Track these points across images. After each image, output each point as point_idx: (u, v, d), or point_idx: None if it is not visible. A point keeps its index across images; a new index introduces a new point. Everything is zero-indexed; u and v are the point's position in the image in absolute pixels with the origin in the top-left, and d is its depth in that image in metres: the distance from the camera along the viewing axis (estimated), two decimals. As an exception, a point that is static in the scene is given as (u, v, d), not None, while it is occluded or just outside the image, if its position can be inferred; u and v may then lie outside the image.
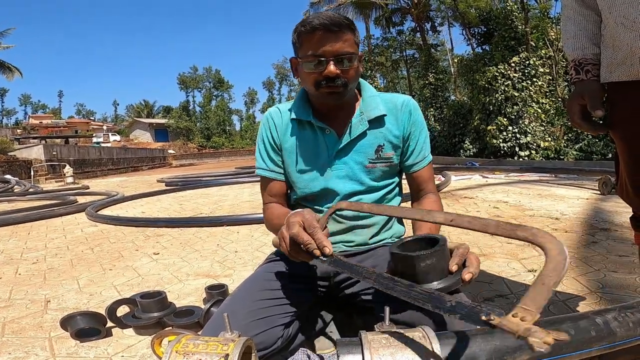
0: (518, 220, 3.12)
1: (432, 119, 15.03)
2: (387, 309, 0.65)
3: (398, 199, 1.16)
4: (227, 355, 0.61)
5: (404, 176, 1.16)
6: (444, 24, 23.00)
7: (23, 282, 2.31)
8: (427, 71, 15.37)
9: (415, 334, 0.58)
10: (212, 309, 1.46)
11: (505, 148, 11.16)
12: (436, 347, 0.55)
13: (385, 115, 1.03)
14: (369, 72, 17.30)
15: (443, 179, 6.00)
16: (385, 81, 27.29)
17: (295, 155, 1.06)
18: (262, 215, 1.13)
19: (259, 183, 1.16)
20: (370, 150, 1.03)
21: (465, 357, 0.58)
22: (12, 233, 4.02)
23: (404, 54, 24.33)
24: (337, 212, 1.02)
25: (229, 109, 57.26)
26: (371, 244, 1.08)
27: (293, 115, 1.05)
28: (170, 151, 32.31)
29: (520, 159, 10.68)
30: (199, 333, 0.78)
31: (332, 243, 0.98)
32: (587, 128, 1.01)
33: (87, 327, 1.46)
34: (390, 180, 1.11)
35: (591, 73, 0.99)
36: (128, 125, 54.42)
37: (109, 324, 1.53)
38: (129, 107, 70.92)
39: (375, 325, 0.65)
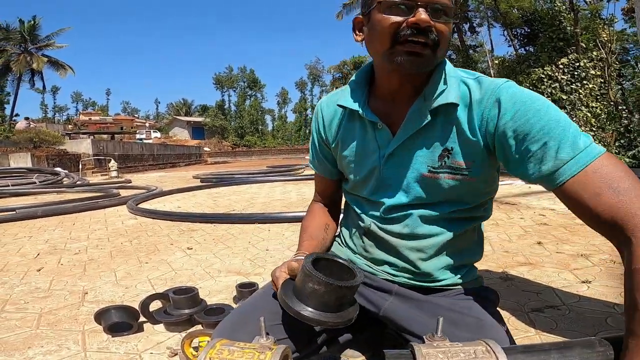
0: (568, 230, 2.90)
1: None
2: (441, 320, 0.56)
3: (478, 249, 0.88)
4: (264, 366, 0.55)
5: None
6: (483, 25, 22.22)
7: (64, 272, 2.39)
8: (465, 73, 14.80)
9: (478, 348, 0.50)
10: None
11: None
12: (506, 369, 0.47)
13: (456, 105, 0.74)
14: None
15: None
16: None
17: (346, 150, 0.89)
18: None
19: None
20: (433, 154, 0.77)
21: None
22: (58, 223, 4.22)
23: (441, 55, 23.57)
24: (378, 231, 0.86)
25: (262, 108, 58.36)
26: (424, 277, 0.84)
27: (339, 101, 0.86)
28: (205, 149, 33.30)
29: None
30: (213, 332, 0.75)
31: (381, 262, 0.88)
32: None
33: (120, 321, 1.46)
34: (466, 205, 0.81)
35: None
36: (168, 122, 56.75)
37: (141, 318, 1.53)
38: (169, 105, 73.85)
39: (424, 337, 0.57)
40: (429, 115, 0.75)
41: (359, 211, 0.90)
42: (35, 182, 9.30)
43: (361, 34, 0.77)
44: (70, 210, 4.92)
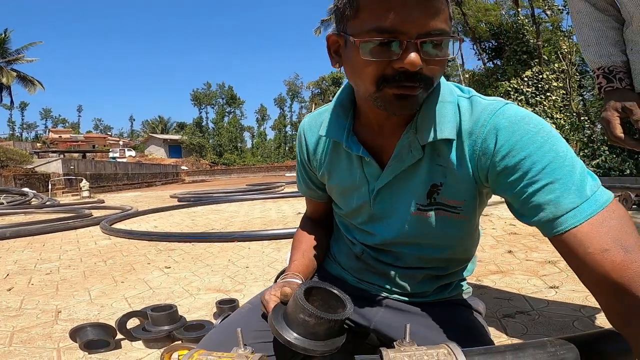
0: (536, 238, 3.03)
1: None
2: (408, 326, 0.61)
3: (470, 266, 0.88)
4: (242, 369, 0.58)
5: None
6: (455, 40, 22.90)
7: (35, 292, 2.32)
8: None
9: (440, 351, 0.55)
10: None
11: None
12: (465, 364, 0.52)
13: (452, 140, 0.65)
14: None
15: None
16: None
17: (332, 183, 0.83)
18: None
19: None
20: (421, 191, 0.70)
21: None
22: (27, 244, 4.07)
23: (413, 70, 24.29)
24: (369, 260, 0.84)
25: (240, 125, 57.96)
26: (415, 296, 0.84)
27: (321, 132, 0.77)
28: (183, 167, 32.77)
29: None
30: (196, 346, 0.76)
31: (373, 282, 0.87)
32: (633, 144, 0.87)
33: (97, 338, 1.44)
34: (458, 239, 0.77)
35: (625, 81, 0.91)
36: (143, 140, 55.63)
37: (119, 335, 1.51)
38: (145, 122, 72.52)
39: (394, 343, 0.62)
40: (420, 151, 0.66)
41: (349, 237, 0.87)
42: (2, 203, 8.91)
43: (338, 57, 0.66)
44: (40, 231, 4.74)
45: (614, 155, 10.12)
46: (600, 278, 0.52)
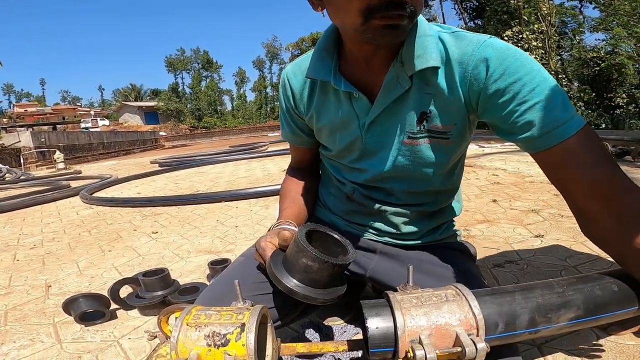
0: (518, 187, 3.10)
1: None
2: (411, 268, 0.59)
3: (457, 205, 0.90)
4: (243, 324, 0.56)
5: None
6: (436, -1, 22.32)
7: (22, 268, 2.26)
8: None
9: (449, 292, 0.54)
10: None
11: None
12: (474, 304, 0.51)
13: (437, 67, 0.68)
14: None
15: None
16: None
17: (321, 124, 0.83)
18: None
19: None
20: (411, 120, 0.72)
21: (505, 314, 0.53)
22: (7, 220, 3.94)
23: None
24: (360, 198, 0.85)
25: (219, 89, 56.52)
26: (407, 236, 0.86)
27: (307, 74, 0.78)
28: (161, 133, 31.86)
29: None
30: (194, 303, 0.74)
31: (363, 225, 0.89)
32: None
33: (91, 309, 1.42)
34: (446, 168, 0.78)
35: None
36: (116, 109, 53.71)
37: (113, 305, 1.49)
38: (116, 91, 69.77)
39: (397, 287, 0.60)
40: (408, 81, 0.69)
41: (339, 177, 0.88)
42: (-27, 180, 8.54)
43: (319, 1, 0.66)
44: (18, 205, 4.58)
45: (590, 111, 10.44)
46: (594, 185, 0.59)
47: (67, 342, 1.33)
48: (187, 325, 0.59)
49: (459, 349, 0.49)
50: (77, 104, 77.76)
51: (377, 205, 0.84)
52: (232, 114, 56.15)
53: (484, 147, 6.61)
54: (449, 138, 0.73)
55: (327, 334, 1.17)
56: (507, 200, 2.75)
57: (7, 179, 9.22)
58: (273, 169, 6.16)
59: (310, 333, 1.16)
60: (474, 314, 0.50)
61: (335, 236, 0.72)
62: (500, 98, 0.64)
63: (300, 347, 0.74)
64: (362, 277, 0.90)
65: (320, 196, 0.98)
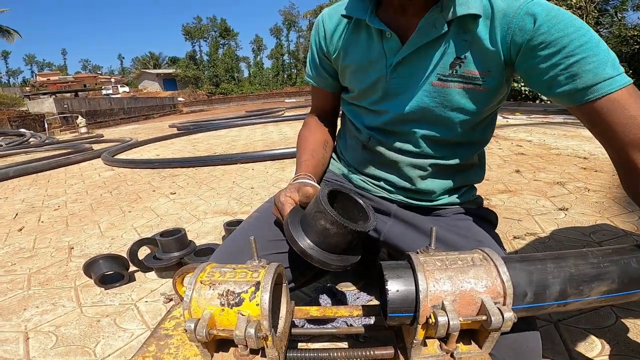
0: (544, 159, 2.98)
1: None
2: (434, 229, 0.55)
3: (479, 171, 0.86)
4: (258, 282, 0.54)
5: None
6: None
7: (46, 229, 2.33)
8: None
9: (475, 256, 0.50)
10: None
11: (526, 91, 10.74)
12: (502, 270, 0.47)
13: (478, 16, 0.67)
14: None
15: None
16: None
17: (347, 62, 0.82)
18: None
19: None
20: (444, 62, 0.71)
21: (535, 283, 0.50)
22: (32, 182, 4.07)
23: None
24: (375, 145, 0.82)
25: (236, 56, 55.98)
26: (423, 195, 0.83)
27: (345, 12, 0.78)
28: (180, 99, 31.94)
29: (543, 103, 10.27)
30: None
31: (375, 178, 0.87)
32: None
33: (111, 271, 1.45)
34: (473, 118, 0.75)
35: None
36: (136, 76, 53.97)
37: (132, 268, 1.52)
38: (135, 59, 70.02)
39: (418, 250, 0.56)
40: (445, 26, 0.68)
41: (357, 123, 0.86)
42: (1, 145, 8.82)
43: None
44: (43, 167, 4.72)
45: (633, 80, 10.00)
46: (633, 141, 0.58)
47: (87, 306, 1.37)
48: (201, 283, 0.57)
49: (484, 317, 0.46)
50: (98, 72, 78.60)
51: (393, 155, 0.81)
52: (249, 80, 55.81)
53: (507, 118, 6.36)
54: (482, 85, 0.71)
55: (340, 300, 1.16)
56: (531, 171, 2.65)
57: (31, 142, 9.48)
58: (289, 132, 6.13)
59: (324, 298, 1.16)
60: (502, 280, 0.47)
61: (360, 201, 0.68)
62: (545, 50, 0.63)
63: (314, 311, 0.73)
64: (376, 241, 0.88)
65: (337, 148, 0.97)
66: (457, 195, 0.85)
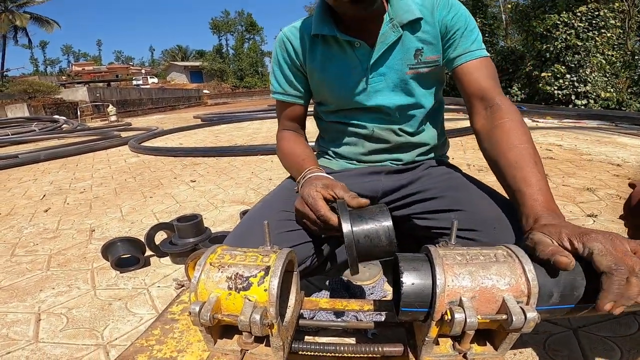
0: (574, 164, 2.85)
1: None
2: (455, 223, 0.52)
3: (439, 116, 1.06)
4: (268, 267, 0.52)
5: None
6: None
7: (71, 211, 2.40)
8: (475, 16, 14.14)
9: (499, 252, 0.47)
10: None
11: (559, 95, 10.54)
12: (528, 268, 0.44)
13: (420, 18, 0.88)
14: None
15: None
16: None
17: (326, 72, 0.95)
18: None
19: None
20: (409, 55, 0.90)
21: (563, 284, 0.46)
22: (61, 165, 4.22)
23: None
24: (382, 132, 0.97)
25: (261, 51, 56.56)
26: (418, 160, 1.02)
27: (314, 31, 0.91)
28: (205, 91, 32.52)
29: (576, 108, 9.92)
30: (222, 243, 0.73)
31: (380, 161, 0.99)
32: None
33: (127, 254, 1.46)
34: (437, 92, 0.98)
35: None
36: (164, 68, 55.27)
37: (148, 252, 1.54)
38: (165, 52, 71.85)
39: (438, 244, 0.53)
40: (400, 29, 0.88)
41: (355, 121, 0.98)
42: (35, 130, 9.19)
43: None
44: (72, 152, 4.89)
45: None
46: (482, 90, 0.84)
47: (101, 288, 1.39)
48: (211, 265, 0.56)
49: (505, 317, 0.43)
50: (130, 63, 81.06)
51: (394, 136, 0.96)
52: (274, 75, 56.39)
53: (537, 121, 6.14)
54: (437, 64, 0.91)
55: (353, 293, 1.14)
56: (560, 176, 2.54)
57: (64, 128, 9.85)
58: (309, 127, 6.11)
59: (337, 290, 1.14)
60: (527, 279, 0.43)
61: (389, 221, 0.69)
62: (452, 31, 0.88)
63: (324, 303, 0.71)
64: (375, 199, 0.98)
65: (329, 151, 1.09)
66: (427, 155, 1.03)
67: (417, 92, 0.93)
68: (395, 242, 0.63)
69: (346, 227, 0.64)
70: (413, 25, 0.89)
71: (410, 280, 0.46)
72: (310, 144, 1.11)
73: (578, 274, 0.47)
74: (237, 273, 0.53)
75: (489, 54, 0.89)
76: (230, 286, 0.53)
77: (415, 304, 0.46)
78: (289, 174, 1.05)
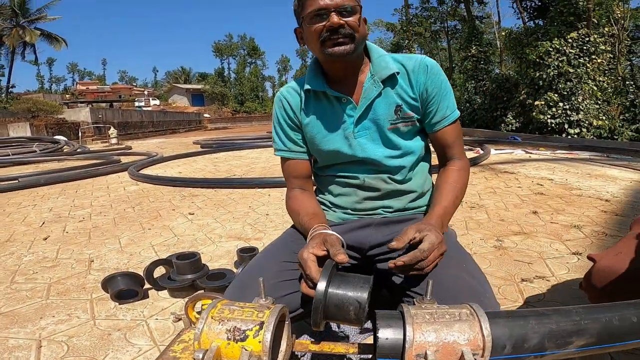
0: (564, 200, 2.94)
1: (473, 91, 14.36)
2: (430, 282, 0.61)
3: (426, 164, 1.13)
4: (262, 322, 0.60)
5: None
6: (493, -4, 21.33)
7: (70, 240, 2.43)
8: (470, 43, 14.46)
9: (463, 311, 0.55)
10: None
11: (553, 124, 10.59)
12: (485, 326, 0.52)
13: (397, 73, 0.98)
14: (406, 42, 16.72)
15: (482, 151, 5.73)
16: (423, 52, 26.27)
17: (317, 127, 1.03)
18: None
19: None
20: (389, 111, 0.99)
21: (515, 337, 0.53)
22: (61, 190, 4.28)
23: (445, 24, 23.08)
24: (372, 181, 1.03)
25: (262, 75, 57.65)
26: (410, 209, 1.07)
27: (307, 87, 1.01)
28: (205, 115, 33.01)
29: (569, 137, 10.08)
30: (224, 293, 0.79)
31: (373, 208, 1.06)
32: None
33: (126, 288, 1.51)
34: (421, 142, 1.07)
35: None
36: (167, 90, 56.11)
37: (146, 285, 1.59)
38: (168, 73, 73.08)
39: (414, 300, 0.62)
40: (381, 84, 0.97)
41: (346, 173, 1.05)
42: (35, 151, 9.30)
43: (302, 40, 1.02)
44: (72, 177, 4.96)
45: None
46: (450, 147, 1.04)
47: (100, 318, 1.43)
48: (212, 318, 0.63)
49: (463, 368, 0.50)
50: (133, 84, 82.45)
51: (382, 186, 1.03)
52: (272, 100, 57.09)
53: (530, 153, 6.29)
54: (413, 120, 1.00)
55: (343, 332, 1.19)
56: (549, 213, 2.62)
57: (65, 150, 9.96)
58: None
59: (327, 330, 1.19)
60: (483, 335, 0.51)
61: (370, 284, 0.73)
62: (430, 100, 0.99)
63: (312, 346, 0.77)
64: (362, 252, 1.03)
65: (327, 203, 1.12)
66: (417, 202, 1.08)
67: (401, 144, 1.01)
68: (364, 317, 0.67)
69: (320, 287, 0.69)
70: (392, 81, 0.98)
71: (385, 335, 0.54)
72: None
73: (530, 329, 0.55)
74: (235, 326, 0.60)
75: (459, 112, 1.04)
76: (229, 337, 0.60)
77: (389, 355, 0.54)
78: (292, 222, 1.12)
